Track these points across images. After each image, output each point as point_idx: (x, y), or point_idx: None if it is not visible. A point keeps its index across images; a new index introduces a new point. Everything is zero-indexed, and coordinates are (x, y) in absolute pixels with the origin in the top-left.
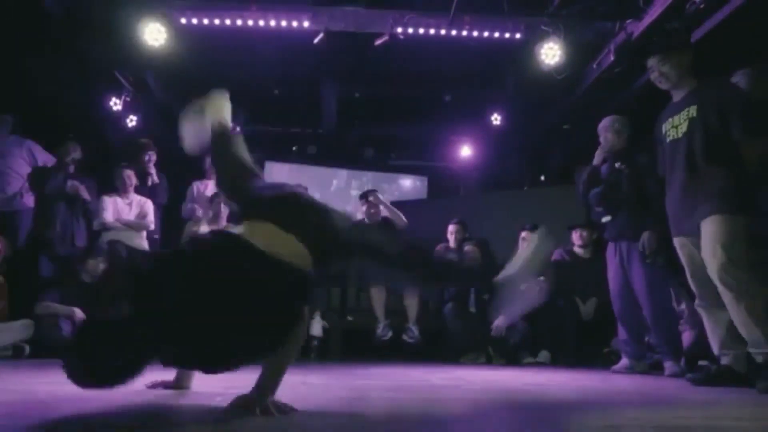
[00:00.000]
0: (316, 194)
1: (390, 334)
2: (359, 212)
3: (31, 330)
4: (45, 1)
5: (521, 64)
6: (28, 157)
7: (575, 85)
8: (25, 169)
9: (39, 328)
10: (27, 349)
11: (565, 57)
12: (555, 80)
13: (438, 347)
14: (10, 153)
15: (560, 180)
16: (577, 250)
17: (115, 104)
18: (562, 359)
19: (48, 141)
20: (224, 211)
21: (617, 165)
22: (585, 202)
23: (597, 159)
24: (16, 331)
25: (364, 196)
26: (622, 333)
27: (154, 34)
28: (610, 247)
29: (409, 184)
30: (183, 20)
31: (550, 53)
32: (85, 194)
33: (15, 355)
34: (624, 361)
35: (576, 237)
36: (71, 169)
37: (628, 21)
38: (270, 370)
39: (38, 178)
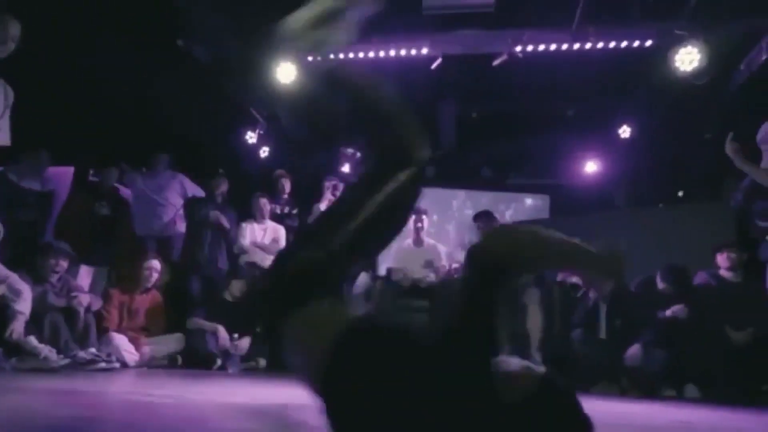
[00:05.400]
0: (434, 216)
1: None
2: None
3: (183, 342)
4: (194, 51)
5: (653, 72)
6: (180, 189)
7: (719, 90)
8: (178, 200)
9: (189, 341)
10: (179, 359)
11: (705, 61)
12: (693, 87)
13: (565, 375)
14: (167, 186)
15: (701, 196)
16: (724, 273)
17: (250, 137)
18: (711, 395)
19: (195, 174)
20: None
21: None
22: (742, 214)
23: (765, 163)
24: (170, 343)
25: (477, 218)
26: None
27: (285, 73)
28: None
29: (530, 203)
30: (310, 58)
31: (687, 58)
32: (225, 223)
33: (169, 365)
34: None
35: (722, 259)
36: (219, 200)
37: None
38: None
39: (190, 208)
